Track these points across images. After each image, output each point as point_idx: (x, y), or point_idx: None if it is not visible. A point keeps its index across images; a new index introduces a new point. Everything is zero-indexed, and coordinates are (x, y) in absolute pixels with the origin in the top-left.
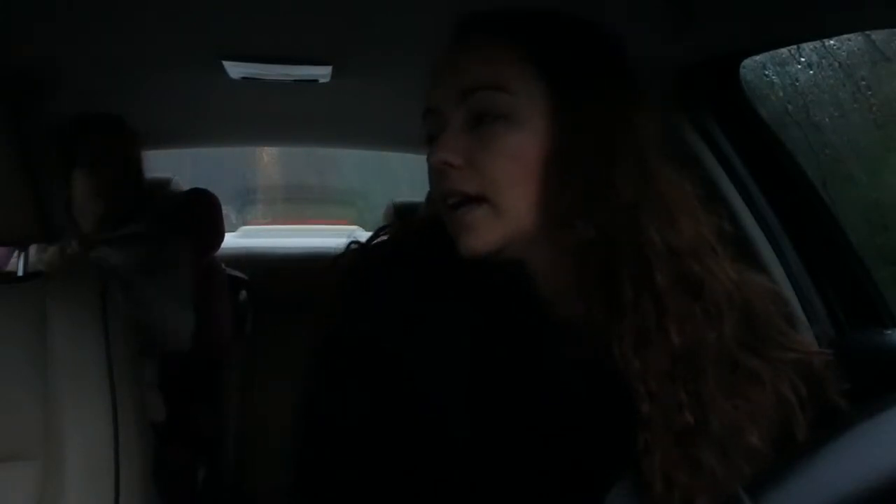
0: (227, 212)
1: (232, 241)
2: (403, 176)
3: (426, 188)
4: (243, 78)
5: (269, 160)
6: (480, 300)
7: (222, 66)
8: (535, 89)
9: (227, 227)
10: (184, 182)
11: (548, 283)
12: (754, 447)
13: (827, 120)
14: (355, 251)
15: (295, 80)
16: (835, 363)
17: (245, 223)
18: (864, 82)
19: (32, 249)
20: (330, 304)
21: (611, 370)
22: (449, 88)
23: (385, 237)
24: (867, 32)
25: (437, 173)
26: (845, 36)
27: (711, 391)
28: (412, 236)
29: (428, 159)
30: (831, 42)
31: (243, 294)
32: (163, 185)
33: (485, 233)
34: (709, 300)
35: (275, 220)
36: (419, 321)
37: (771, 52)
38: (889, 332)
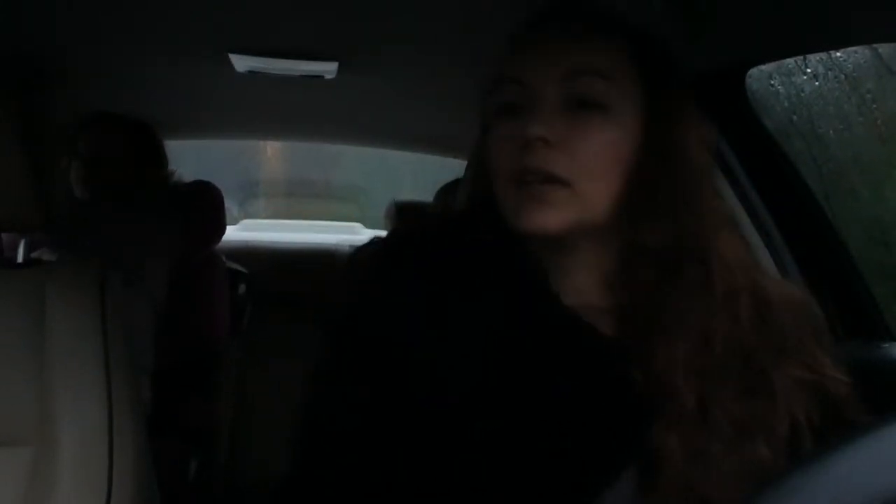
0: (229, 205)
1: (233, 234)
2: (406, 174)
3: (428, 187)
4: (249, 71)
5: (272, 154)
6: (499, 294)
7: (228, 59)
8: (632, 87)
9: (228, 220)
10: (187, 174)
11: (587, 276)
12: (764, 459)
13: (831, 132)
14: (371, 248)
15: (301, 76)
16: (855, 390)
17: (247, 216)
18: (869, 95)
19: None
20: (344, 299)
21: (629, 370)
22: (549, 66)
23: (399, 234)
24: (874, 45)
25: (521, 147)
26: (852, 48)
27: (732, 400)
28: (429, 231)
29: (515, 131)
30: (838, 54)
31: (242, 287)
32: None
33: (562, 211)
34: (744, 311)
35: (276, 215)
36: (435, 315)
37: (777, 62)
38: (887, 345)
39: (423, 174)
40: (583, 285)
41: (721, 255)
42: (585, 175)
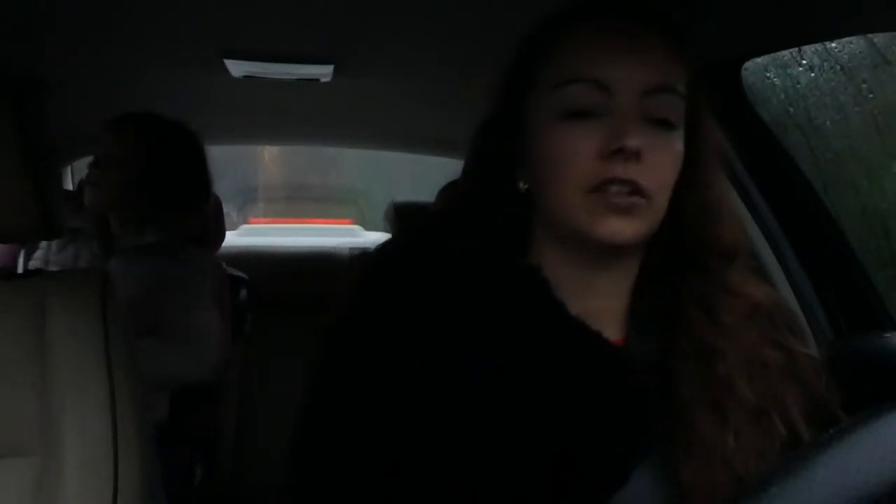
0: (228, 210)
1: (233, 239)
2: (404, 175)
3: (427, 187)
4: (245, 76)
5: (270, 158)
6: (498, 300)
7: (224, 65)
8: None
9: (228, 225)
10: None
11: (613, 283)
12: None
13: (828, 123)
14: (368, 255)
15: (297, 79)
16: (831, 378)
17: (246, 221)
18: (865, 85)
19: (53, 246)
20: (342, 309)
21: (635, 371)
22: (634, 75)
23: (397, 240)
24: (869, 35)
25: (602, 155)
26: (847, 38)
27: (737, 397)
28: (424, 237)
29: (595, 136)
30: (833, 45)
31: (243, 293)
32: None
33: (640, 223)
34: (743, 310)
35: (276, 219)
36: (437, 325)
37: (773, 54)
38: (889, 335)
39: (421, 175)
40: (604, 292)
41: (725, 246)
42: (661, 190)
